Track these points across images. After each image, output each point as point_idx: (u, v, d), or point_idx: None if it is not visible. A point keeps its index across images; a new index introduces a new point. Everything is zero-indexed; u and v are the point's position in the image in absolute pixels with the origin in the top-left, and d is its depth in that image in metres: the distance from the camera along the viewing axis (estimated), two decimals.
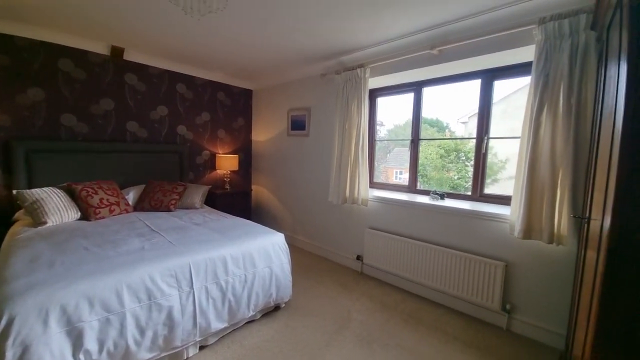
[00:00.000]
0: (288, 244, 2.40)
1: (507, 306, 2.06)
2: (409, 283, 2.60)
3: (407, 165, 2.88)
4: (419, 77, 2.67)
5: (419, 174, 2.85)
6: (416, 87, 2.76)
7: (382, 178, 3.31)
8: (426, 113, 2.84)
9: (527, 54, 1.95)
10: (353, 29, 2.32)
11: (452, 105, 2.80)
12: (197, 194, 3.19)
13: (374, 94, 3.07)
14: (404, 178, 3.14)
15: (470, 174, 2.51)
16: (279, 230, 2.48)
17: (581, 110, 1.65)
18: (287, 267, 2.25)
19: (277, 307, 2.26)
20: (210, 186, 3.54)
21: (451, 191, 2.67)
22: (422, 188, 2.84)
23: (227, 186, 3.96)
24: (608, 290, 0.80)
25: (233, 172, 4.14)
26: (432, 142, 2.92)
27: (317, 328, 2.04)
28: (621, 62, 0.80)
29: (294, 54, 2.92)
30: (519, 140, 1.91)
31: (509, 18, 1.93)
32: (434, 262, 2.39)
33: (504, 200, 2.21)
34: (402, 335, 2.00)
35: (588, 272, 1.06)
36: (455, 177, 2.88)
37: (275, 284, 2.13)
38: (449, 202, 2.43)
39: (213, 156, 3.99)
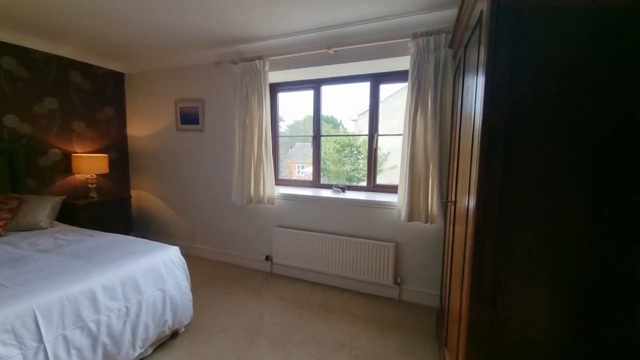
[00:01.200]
0: (186, 255, 2.08)
1: (398, 280, 2.41)
2: (318, 275, 2.69)
3: (308, 159, 2.95)
4: (319, 75, 2.75)
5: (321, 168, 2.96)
6: (316, 85, 2.84)
7: (285, 173, 3.29)
8: (323, 110, 2.97)
9: (405, 63, 2.28)
10: (248, 16, 2.16)
11: (344, 103, 3.02)
12: (43, 208, 2.38)
13: (275, 88, 2.99)
14: (305, 172, 3.22)
15: (362, 166, 2.79)
16: (172, 243, 2.12)
17: (442, 114, 2.05)
18: (185, 284, 1.95)
19: (175, 334, 1.92)
20: (64, 196, 2.69)
21: (350, 183, 2.90)
22: (325, 182, 2.97)
23: (94, 194, 3.09)
24: (475, 258, 0.99)
25: (102, 175, 3.28)
26: (330, 137, 3.08)
27: (226, 345, 1.85)
28: (479, 74, 0.99)
29: (180, 34, 2.51)
30: (401, 137, 2.22)
31: (391, 29, 2.19)
32: (338, 251, 2.55)
33: (393, 189, 2.55)
34: (315, 328, 2.04)
35: (458, 244, 1.31)
36: (350, 170, 3.15)
37: (171, 308, 1.80)
38: (349, 194, 2.63)
39: (67, 156, 3.04)
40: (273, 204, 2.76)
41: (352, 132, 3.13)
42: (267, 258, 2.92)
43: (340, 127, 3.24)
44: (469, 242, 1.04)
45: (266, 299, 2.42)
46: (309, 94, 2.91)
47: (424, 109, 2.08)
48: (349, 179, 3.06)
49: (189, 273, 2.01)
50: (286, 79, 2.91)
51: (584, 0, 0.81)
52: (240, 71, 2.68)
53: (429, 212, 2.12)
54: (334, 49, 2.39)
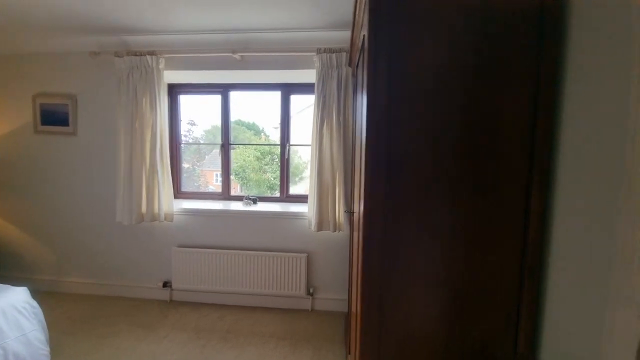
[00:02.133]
0: (50, 293, 1.60)
1: (311, 290, 2.41)
2: (227, 296, 2.47)
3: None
4: (227, 79, 2.58)
5: (238, 177, 2.78)
6: (223, 90, 2.65)
7: (201, 183, 2.96)
8: (244, 116, 2.83)
9: (313, 76, 2.33)
10: (137, 3, 1.86)
11: (266, 110, 2.92)
12: None
13: (175, 90, 2.66)
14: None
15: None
16: (27, 280, 1.59)
17: (346, 127, 2.17)
18: (38, 335, 1.50)
19: None
20: None
21: (263, 194, 2.79)
22: (240, 193, 2.78)
23: None
24: (365, 265, 1.02)
25: None
26: (251, 145, 2.93)
27: None
28: (363, 93, 1.04)
29: (46, 13, 1.97)
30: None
31: (298, 42, 2.22)
32: (249, 267, 2.39)
33: (304, 199, 2.56)
34: (222, 357, 1.84)
35: (355, 251, 1.36)
36: (273, 178, 3.06)
37: None
38: (260, 206, 2.52)
39: None
40: (172, 221, 2.41)
41: (274, 140, 3.05)
42: (166, 284, 2.52)
43: (262, 134, 3.13)
44: (360, 250, 1.07)
45: (162, 333, 2.07)
46: (218, 98, 2.69)
47: (330, 122, 2.16)
48: (271, 188, 2.95)
49: (52, 317, 1.54)
50: (189, 81, 2.62)
51: (444, 34, 0.94)
52: (126, 66, 2.27)
53: (337, 220, 2.19)
54: (240, 54, 2.28)
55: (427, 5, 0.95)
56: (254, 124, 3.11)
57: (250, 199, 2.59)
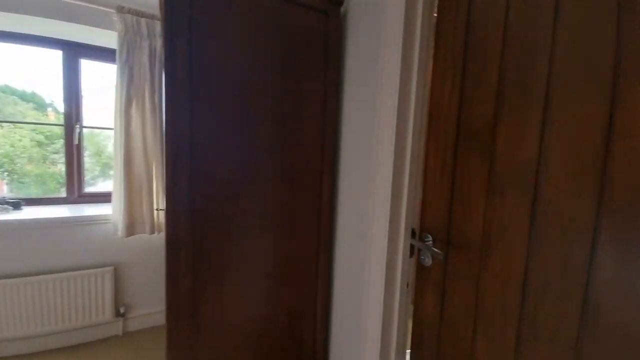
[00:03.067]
0: None
1: (121, 310, 1.95)
2: None
3: None
4: None
5: (1, 171, 1.79)
6: None
7: None
8: (17, 81, 1.83)
9: (113, 39, 1.82)
10: None
11: (57, 77, 2.00)
12: None
13: None
14: None
15: (89, 166, 2.00)
16: None
17: (163, 110, 1.85)
18: None
19: None
20: None
21: (53, 194, 1.97)
22: (6, 194, 1.81)
23: None
24: (170, 271, 0.89)
25: None
26: (26, 125, 1.94)
27: None
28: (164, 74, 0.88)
29: None
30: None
31: None
32: (20, 301, 1.63)
33: (107, 197, 2.01)
34: None
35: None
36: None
37: None
38: (30, 212, 1.76)
39: None
40: None
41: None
42: None
43: (50, 109, 2.12)
44: (165, 255, 0.93)
45: None
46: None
47: (141, 102, 1.78)
48: (63, 185, 2.08)
49: None
50: None
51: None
52: None
53: (155, 220, 1.86)
54: None
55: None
56: (34, 94, 2.11)
57: (8, 202, 1.76)
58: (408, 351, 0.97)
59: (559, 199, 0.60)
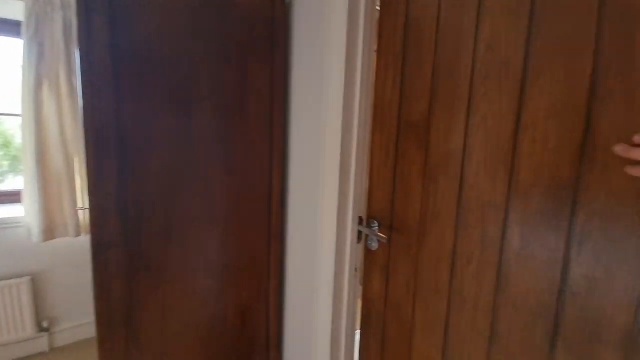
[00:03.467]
0: None
1: (45, 324, 1.70)
2: None
3: None
4: None
5: None
6: None
7: None
8: None
9: (17, 10, 1.51)
10: None
11: None
12: None
13: None
14: None
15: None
16: None
17: None
18: None
19: None
20: None
21: None
22: None
23: None
24: (98, 279, 0.80)
25: None
26: None
27: None
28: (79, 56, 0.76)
29: None
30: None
31: None
32: None
33: (16, 196, 1.70)
34: None
35: None
36: None
37: None
38: None
39: None
40: None
41: None
42: None
43: None
44: (91, 261, 0.83)
45: None
46: None
47: (55, 83, 1.52)
48: None
49: None
50: None
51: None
52: None
53: (82, 220, 1.64)
54: None
55: None
56: None
57: None
58: (358, 331, 1.03)
59: (478, 184, 0.68)
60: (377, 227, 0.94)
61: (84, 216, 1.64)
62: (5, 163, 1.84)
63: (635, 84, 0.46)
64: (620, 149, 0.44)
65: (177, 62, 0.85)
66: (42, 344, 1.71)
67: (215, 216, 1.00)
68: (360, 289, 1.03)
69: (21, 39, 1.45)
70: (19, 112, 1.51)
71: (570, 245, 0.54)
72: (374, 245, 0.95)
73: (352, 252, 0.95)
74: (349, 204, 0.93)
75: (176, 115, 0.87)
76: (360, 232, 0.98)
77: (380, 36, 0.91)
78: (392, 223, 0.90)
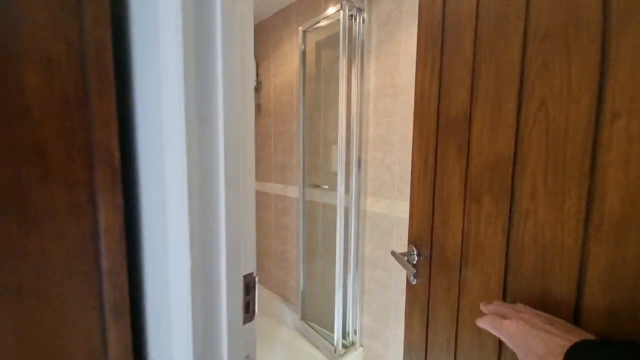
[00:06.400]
0: None
1: None
2: None
3: None
4: None
5: None
6: None
7: None
8: None
9: None
10: None
11: None
12: None
13: None
14: None
15: None
16: None
17: None
18: None
19: None
20: None
21: None
22: None
23: None
24: None
25: None
26: None
27: None
28: None
29: None
30: None
31: None
32: None
33: None
34: None
35: None
36: None
37: None
38: None
39: None
40: None
41: None
42: None
43: None
44: None
45: None
46: None
47: None
48: None
49: None
50: None
51: None
52: None
53: None
54: None
55: None
56: None
57: None
58: None
59: (536, 211, 0.42)
60: (415, 257, 0.74)
61: None
62: None
63: None
64: None
65: None
66: None
67: None
68: None
69: None
70: None
71: None
72: (413, 280, 0.75)
73: (231, 340, 0.42)
74: (220, 257, 0.38)
75: None
76: (248, 303, 0.43)
77: (420, 11, 0.73)
78: (431, 252, 0.69)
